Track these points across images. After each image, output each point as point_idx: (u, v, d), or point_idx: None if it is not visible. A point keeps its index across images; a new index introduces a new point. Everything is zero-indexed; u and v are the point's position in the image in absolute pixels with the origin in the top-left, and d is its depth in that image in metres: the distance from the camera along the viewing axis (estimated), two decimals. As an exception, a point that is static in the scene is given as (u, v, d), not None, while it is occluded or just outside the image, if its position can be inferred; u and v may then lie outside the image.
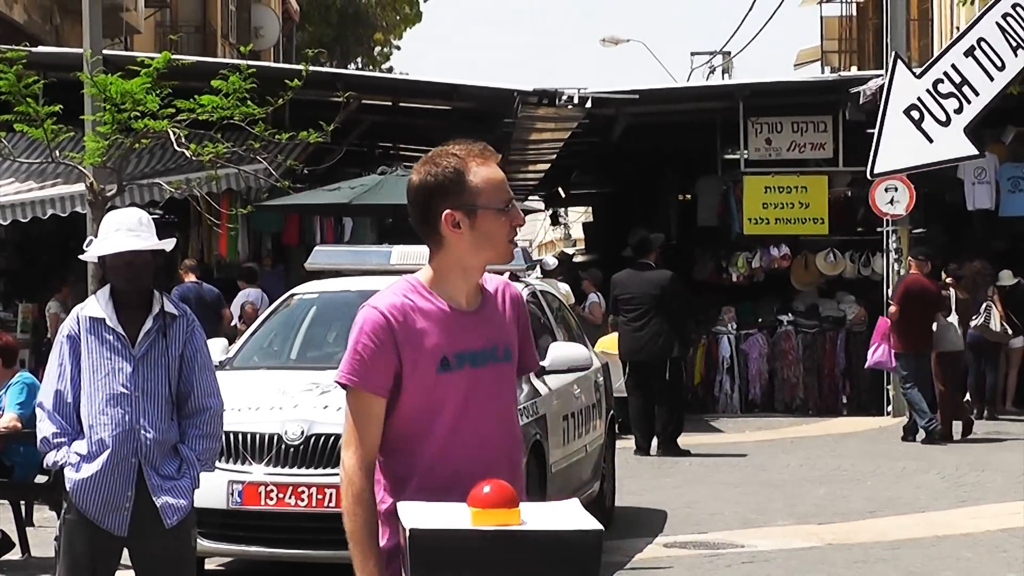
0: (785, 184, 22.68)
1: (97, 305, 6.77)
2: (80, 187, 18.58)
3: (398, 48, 57.85)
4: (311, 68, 17.56)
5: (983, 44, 19.56)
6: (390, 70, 51.84)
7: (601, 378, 12.96)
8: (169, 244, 6.91)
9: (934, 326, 18.42)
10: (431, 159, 4.47)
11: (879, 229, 21.35)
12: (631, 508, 13.44)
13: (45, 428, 6.73)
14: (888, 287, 20.45)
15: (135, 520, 6.65)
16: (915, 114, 19.62)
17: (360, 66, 51.72)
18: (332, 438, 9.62)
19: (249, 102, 16.04)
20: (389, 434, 4.42)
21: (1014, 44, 19.44)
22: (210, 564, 10.73)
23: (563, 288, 19.01)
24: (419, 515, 4.12)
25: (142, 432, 6.65)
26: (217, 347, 11.06)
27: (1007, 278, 21.24)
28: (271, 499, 9.60)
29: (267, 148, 17.83)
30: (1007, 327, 20.65)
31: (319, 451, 9.65)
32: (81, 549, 6.71)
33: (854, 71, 32.71)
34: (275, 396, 10.18)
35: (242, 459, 9.70)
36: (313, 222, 23.03)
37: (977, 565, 11.04)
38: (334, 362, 11.13)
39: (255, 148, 16.90)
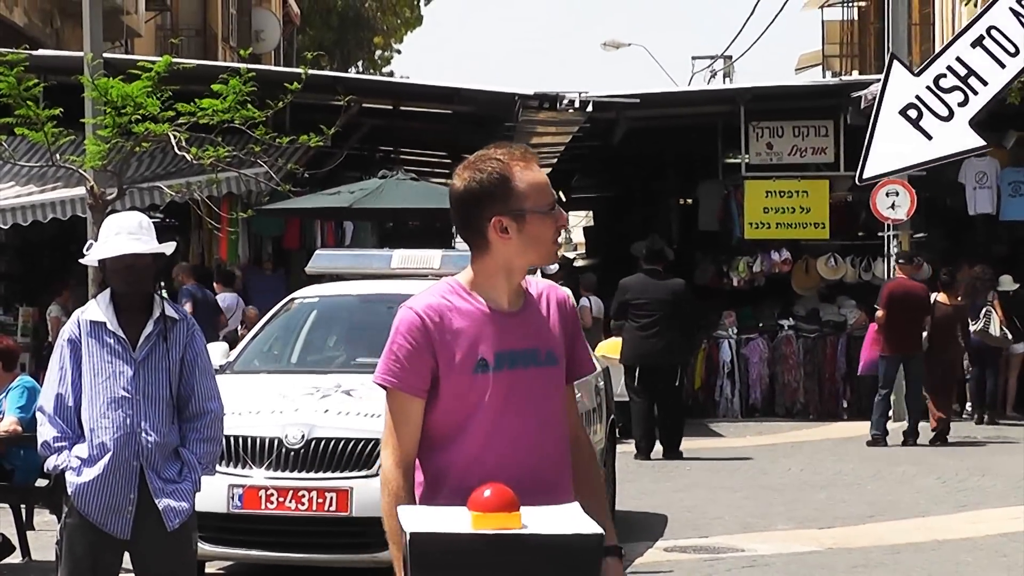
0: (786, 188, 22.68)
1: (97, 309, 6.77)
2: (80, 191, 18.58)
3: (399, 52, 57.89)
4: (311, 72, 17.57)
5: (993, 32, 19.43)
6: (391, 74, 51.86)
7: (602, 382, 12.95)
8: (169, 248, 6.91)
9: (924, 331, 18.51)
10: (473, 164, 4.43)
11: (880, 234, 21.35)
12: (631, 512, 13.43)
13: (46, 432, 6.73)
14: (887, 292, 20.46)
15: (136, 523, 6.65)
16: (912, 113, 19.44)
17: (360, 70, 51.77)
18: (332, 442, 9.62)
19: (250, 105, 16.05)
20: (427, 434, 4.42)
21: None
22: (211, 568, 10.72)
23: (564, 292, 19.03)
24: (419, 519, 4.11)
25: (143, 435, 6.65)
26: (217, 351, 11.07)
27: (1007, 283, 21.25)
28: (271, 503, 9.59)
29: (268, 152, 17.83)
30: (1007, 332, 20.65)
31: (319, 455, 9.64)
32: (82, 553, 6.71)
33: (856, 75, 32.72)
34: (276, 400, 10.18)
35: (243, 463, 9.69)
36: (314, 226, 23.03)
37: (977, 570, 11.04)
38: (335, 366, 11.26)
39: (256, 152, 16.92)
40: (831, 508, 13.84)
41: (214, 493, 9.02)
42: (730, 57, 42.95)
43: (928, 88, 21.22)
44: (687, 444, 17.75)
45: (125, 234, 6.71)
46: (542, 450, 4.42)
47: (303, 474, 9.63)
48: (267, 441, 9.72)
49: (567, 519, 4.17)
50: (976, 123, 18.87)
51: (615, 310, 17.84)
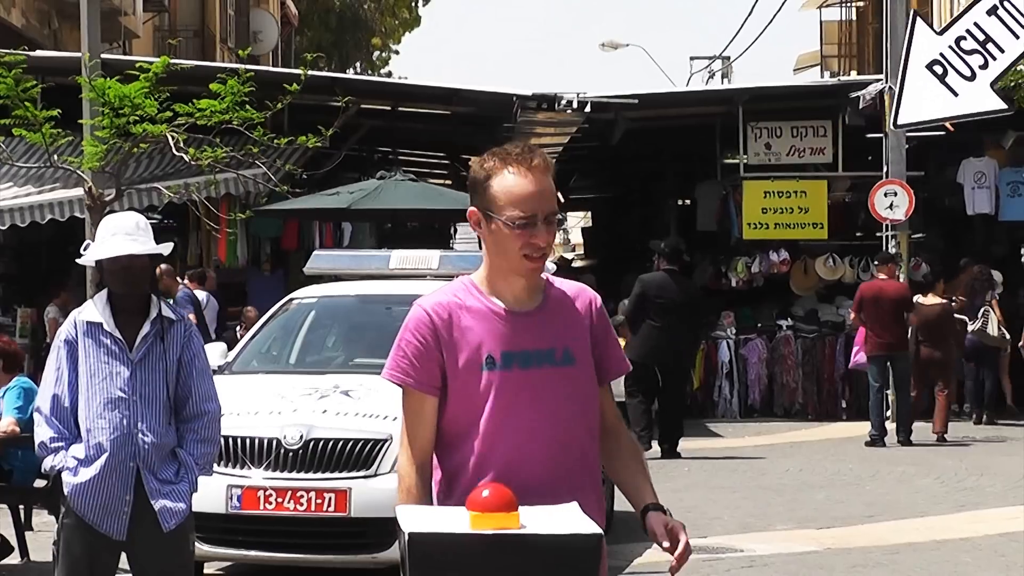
0: (784, 189, 22.67)
1: (94, 309, 6.76)
2: (79, 192, 18.56)
3: (397, 53, 57.86)
4: (310, 72, 17.55)
5: (1006, 4, 19.40)
6: (389, 75, 51.84)
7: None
8: (166, 248, 6.91)
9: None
10: (488, 153, 4.43)
11: (878, 234, 21.33)
12: (631, 512, 13.37)
13: (43, 432, 6.73)
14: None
15: (133, 524, 6.64)
16: (938, 69, 19.39)
17: (359, 70, 51.74)
18: (331, 443, 9.61)
19: (248, 106, 16.04)
20: (443, 432, 4.43)
21: None
22: (209, 568, 10.71)
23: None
24: (418, 519, 4.11)
25: (140, 436, 6.64)
26: (215, 351, 11.06)
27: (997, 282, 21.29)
28: (270, 503, 9.58)
29: (266, 152, 17.81)
30: (1005, 332, 20.64)
31: (318, 455, 9.63)
32: (79, 553, 6.70)
33: (854, 76, 32.66)
34: (274, 400, 10.17)
35: (241, 463, 9.68)
36: (312, 227, 23.02)
37: (976, 570, 11.03)
38: (333, 367, 11.25)
39: (254, 152, 16.90)
40: (830, 508, 13.84)
41: (212, 494, 9.01)
42: (728, 57, 42.97)
43: (951, 48, 21.10)
44: (686, 444, 17.75)
45: (122, 235, 6.70)
46: (555, 451, 4.39)
47: (302, 475, 9.62)
48: (266, 442, 9.71)
49: (566, 519, 4.16)
50: (1000, 79, 18.65)
51: (634, 305, 17.68)
